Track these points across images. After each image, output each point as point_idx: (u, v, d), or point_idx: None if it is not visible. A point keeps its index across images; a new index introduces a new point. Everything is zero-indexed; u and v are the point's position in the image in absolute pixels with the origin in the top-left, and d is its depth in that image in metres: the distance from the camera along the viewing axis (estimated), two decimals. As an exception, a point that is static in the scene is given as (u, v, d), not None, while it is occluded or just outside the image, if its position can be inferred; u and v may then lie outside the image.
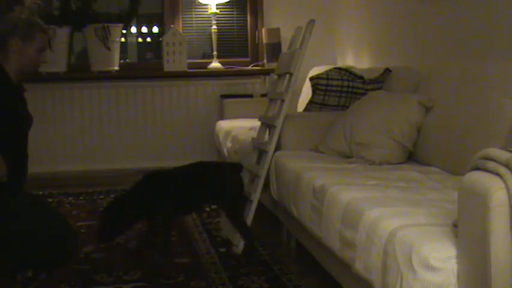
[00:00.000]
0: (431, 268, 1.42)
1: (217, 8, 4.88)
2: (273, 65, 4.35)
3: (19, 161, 2.52)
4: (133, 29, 5.77)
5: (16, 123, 2.51)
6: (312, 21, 2.96)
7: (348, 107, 3.21)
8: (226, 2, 4.95)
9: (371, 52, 4.30)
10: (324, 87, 3.37)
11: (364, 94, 3.24)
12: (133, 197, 2.72)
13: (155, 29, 5.78)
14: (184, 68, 4.82)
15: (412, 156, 2.74)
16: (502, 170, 1.29)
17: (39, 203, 2.65)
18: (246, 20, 5.11)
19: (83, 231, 3.25)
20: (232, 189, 2.77)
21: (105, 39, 4.56)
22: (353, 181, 2.27)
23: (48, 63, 4.64)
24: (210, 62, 4.93)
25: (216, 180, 2.79)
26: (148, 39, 6.01)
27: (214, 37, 4.89)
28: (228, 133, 3.98)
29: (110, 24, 4.58)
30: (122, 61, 5.05)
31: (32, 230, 2.40)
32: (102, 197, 4.08)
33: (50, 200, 3.97)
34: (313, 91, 3.43)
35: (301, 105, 4.21)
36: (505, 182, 1.28)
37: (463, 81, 2.52)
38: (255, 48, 5.11)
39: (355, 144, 2.81)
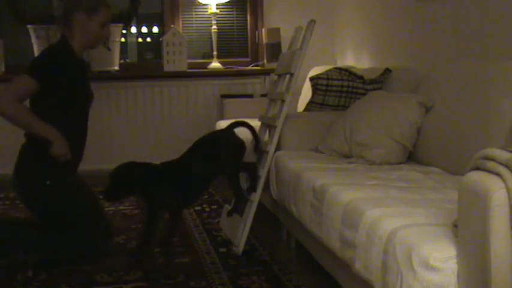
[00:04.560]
0: (431, 268, 1.42)
1: (217, 8, 4.88)
2: (273, 65, 4.35)
3: (82, 137, 2.53)
4: (134, 29, 5.76)
5: (84, 98, 2.52)
6: (312, 22, 2.96)
7: (348, 107, 3.21)
8: (226, 2, 4.95)
9: (371, 52, 4.30)
10: (324, 87, 3.37)
11: (364, 94, 3.24)
12: (146, 170, 2.73)
13: (155, 29, 5.77)
14: (184, 68, 4.82)
15: (412, 156, 2.74)
16: (502, 170, 1.29)
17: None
18: (246, 20, 5.11)
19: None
20: (228, 152, 2.79)
21: (105, 39, 4.55)
22: (353, 181, 2.27)
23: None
24: (210, 62, 4.93)
25: (215, 150, 2.81)
26: (148, 39, 6.00)
27: (214, 37, 4.90)
28: (228, 133, 3.97)
29: (110, 24, 4.57)
30: (122, 61, 5.04)
31: (81, 213, 2.37)
32: (102, 197, 4.06)
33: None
34: (313, 91, 3.43)
35: (301, 105, 4.21)
36: (505, 182, 1.28)
37: (463, 81, 2.52)
38: (255, 48, 5.11)
39: (355, 144, 2.81)
